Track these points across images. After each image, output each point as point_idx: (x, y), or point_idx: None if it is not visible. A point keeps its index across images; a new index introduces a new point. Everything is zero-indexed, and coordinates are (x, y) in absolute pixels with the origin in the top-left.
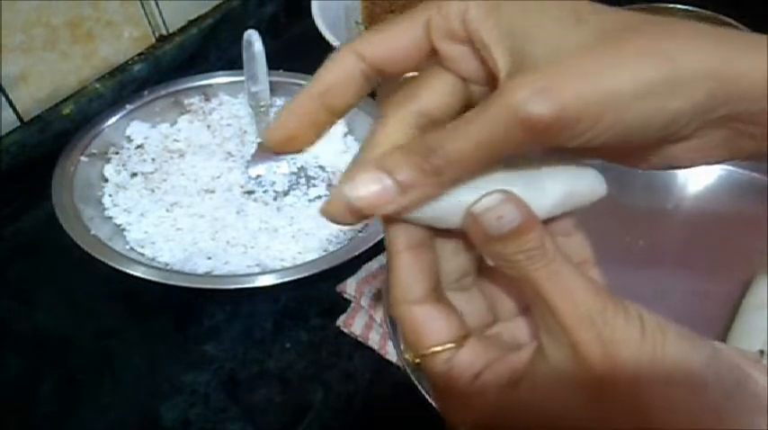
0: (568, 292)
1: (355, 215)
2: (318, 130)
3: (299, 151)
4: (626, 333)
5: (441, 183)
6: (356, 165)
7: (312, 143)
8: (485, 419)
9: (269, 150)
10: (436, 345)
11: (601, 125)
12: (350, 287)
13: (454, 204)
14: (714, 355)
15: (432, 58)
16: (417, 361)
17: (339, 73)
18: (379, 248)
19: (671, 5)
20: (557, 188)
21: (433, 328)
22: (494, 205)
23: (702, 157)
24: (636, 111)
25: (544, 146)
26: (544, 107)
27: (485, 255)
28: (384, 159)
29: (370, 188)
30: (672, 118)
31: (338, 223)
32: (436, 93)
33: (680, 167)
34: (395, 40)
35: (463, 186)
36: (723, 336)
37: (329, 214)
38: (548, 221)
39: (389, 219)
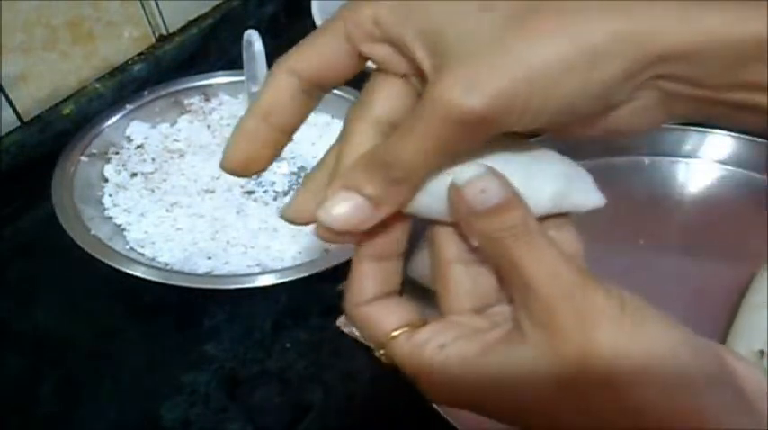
0: (548, 267)
1: (334, 236)
2: (272, 151)
3: (257, 173)
4: (605, 308)
5: (410, 187)
6: (314, 185)
7: (269, 163)
8: (455, 391)
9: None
10: (390, 332)
11: (532, 107)
12: None
13: (441, 196)
14: (695, 340)
15: (362, 63)
16: (382, 352)
17: (277, 93)
18: None
19: None
20: (550, 188)
21: (384, 318)
22: (477, 177)
23: (643, 122)
24: (562, 88)
25: (488, 136)
26: (474, 101)
27: (468, 232)
28: (348, 177)
29: (342, 208)
30: (599, 88)
31: (297, 224)
32: (387, 97)
33: (624, 134)
34: (323, 52)
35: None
36: (723, 336)
37: (290, 219)
38: (539, 219)
39: (362, 235)
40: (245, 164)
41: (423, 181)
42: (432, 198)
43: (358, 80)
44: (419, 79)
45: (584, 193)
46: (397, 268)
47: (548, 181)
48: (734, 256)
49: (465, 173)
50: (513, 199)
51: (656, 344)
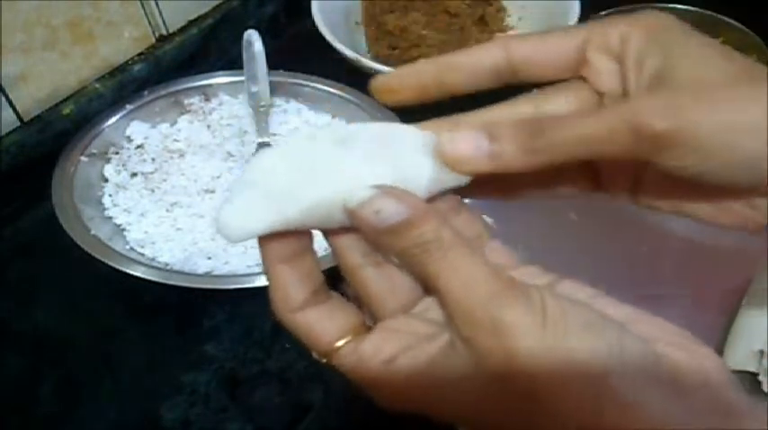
0: (465, 284)
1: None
2: (419, 95)
3: (393, 102)
4: (524, 323)
5: (528, 163)
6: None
7: (406, 100)
8: (402, 401)
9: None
10: (334, 341)
11: (711, 156)
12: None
13: (327, 206)
14: (620, 342)
15: (566, 68)
16: (324, 360)
17: (476, 56)
18: None
19: (671, 5)
20: (423, 170)
21: (322, 329)
22: (368, 198)
23: None
24: (750, 150)
25: (634, 158)
26: (662, 120)
27: (381, 251)
28: (492, 125)
29: (464, 144)
30: None
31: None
32: (564, 101)
33: (738, 229)
34: (545, 45)
35: (330, 187)
36: (723, 336)
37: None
38: (429, 200)
39: (262, 238)
40: (390, 90)
41: (541, 164)
42: (326, 211)
43: (358, 80)
44: (602, 97)
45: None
46: (314, 262)
47: (420, 168)
48: (734, 256)
49: (355, 194)
50: (419, 213)
51: (576, 360)
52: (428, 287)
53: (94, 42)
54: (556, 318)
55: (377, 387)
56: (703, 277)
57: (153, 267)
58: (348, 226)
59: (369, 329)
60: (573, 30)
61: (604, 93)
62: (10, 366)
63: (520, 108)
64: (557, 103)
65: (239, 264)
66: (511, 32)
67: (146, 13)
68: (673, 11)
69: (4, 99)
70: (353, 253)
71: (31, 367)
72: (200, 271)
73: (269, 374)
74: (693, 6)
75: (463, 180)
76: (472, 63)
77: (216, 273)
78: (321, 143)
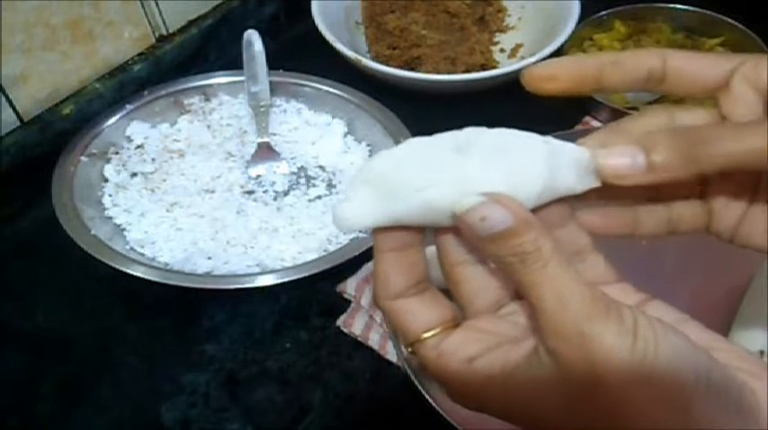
0: (559, 298)
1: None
2: (575, 87)
3: (545, 91)
4: (615, 342)
5: (687, 170)
6: (613, 133)
7: (560, 91)
8: (477, 402)
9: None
10: (422, 332)
11: None
12: (350, 287)
13: (438, 208)
14: (708, 368)
15: (709, 92)
16: (410, 350)
17: (638, 58)
18: None
19: (671, 5)
20: (535, 178)
21: (414, 318)
22: (474, 206)
23: None
24: None
25: None
26: None
27: (482, 254)
28: (647, 137)
29: (621, 160)
30: None
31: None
32: (701, 111)
33: None
34: (700, 61)
35: (440, 189)
36: (723, 337)
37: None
38: (538, 210)
39: (378, 229)
40: (547, 77)
41: (696, 172)
42: (436, 213)
43: (357, 81)
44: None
45: (576, 175)
46: (420, 256)
47: (532, 176)
48: (734, 256)
49: (463, 201)
50: (521, 224)
51: (665, 382)
52: (521, 293)
53: (94, 42)
54: (647, 340)
55: (452, 383)
56: (703, 276)
57: (153, 267)
58: (455, 226)
59: (458, 327)
60: (730, 55)
61: (729, 119)
62: (10, 366)
63: (655, 119)
64: (696, 115)
65: (239, 264)
66: (511, 32)
67: (146, 13)
68: (673, 11)
69: (4, 99)
70: (456, 250)
71: (31, 367)
72: (200, 271)
73: (269, 374)
74: (693, 6)
75: (574, 190)
76: (634, 63)
77: (216, 273)
78: (438, 147)
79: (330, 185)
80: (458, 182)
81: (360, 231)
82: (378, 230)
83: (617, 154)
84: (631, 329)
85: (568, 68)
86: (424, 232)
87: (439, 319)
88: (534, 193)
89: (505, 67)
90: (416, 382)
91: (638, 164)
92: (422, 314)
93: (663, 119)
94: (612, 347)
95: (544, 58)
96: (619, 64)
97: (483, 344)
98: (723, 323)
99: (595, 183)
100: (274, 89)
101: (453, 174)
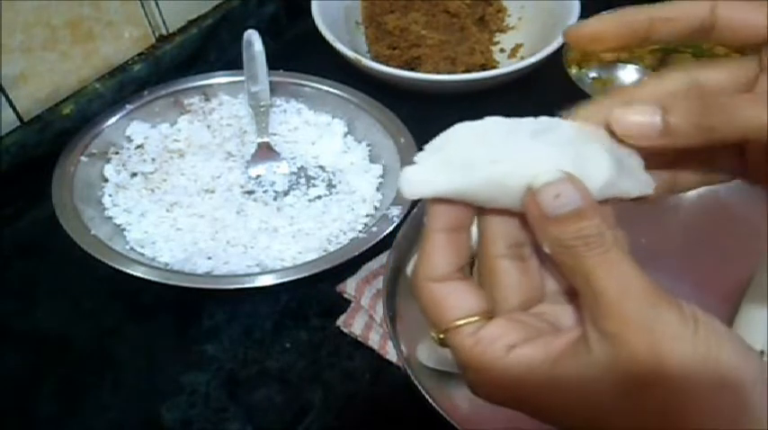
0: (622, 283)
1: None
2: (624, 43)
3: (591, 50)
4: (678, 331)
5: (701, 138)
6: (630, 92)
7: (608, 49)
8: (508, 392)
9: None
10: (460, 319)
11: None
12: (350, 287)
13: (506, 183)
14: (762, 370)
15: (754, 43)
16: (441, 336)
17: (689, 10)
18: (379, 248)
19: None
20: (601, 176)
21: (455, 302)
22: (553, 181)
23: None
24: None
25: None
26: None
27: (540, 239)
28: (666, 98)
29: (638, 118)
30: None
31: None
32: (724, 70)
33: None
34: (751, 11)
35: (514, 165)
36: None
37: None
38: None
39: (433, 201)
40: (593, 37)
41: (709, 141)
42: (500, 189)
43: (357, 81)
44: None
45: (634, 180)
46: (468, 243)
47: (599, 168)
48: (734, 256)
49: (542, 174)
50: (589, 207)
51: (729, 377)
52: (576, 284)
53: (94, 42)
54: (708, 331)
55: (487, 374)
56: (703, 275)
57: (153, 267)
58: (511, 209)
59: (491, 316)
60: None
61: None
62: (10, 366)
63: (675, 81)
64: (713, 75)
65: (239, 264)
66: (511, 32)
67: (146, 13)
68: None
69: (4, 99)
70: (499, 242)
71: (31, 367)
72: (200, 271)
73: (269, 374)
74: None
75: (629, 194)
76: (686, 16)
77: (216, 273)
78: (516, 128)
79: (330, 185)
80: (532, 162)
81: (359, 230)
82: (434, 203)
83: (635, 112)
84: (692, 319)
85: (616, 27)
86: (474, 217)
87: (477, 309)
88: (596, 188)
89: (505, 67)
90: (416, 382)
91: (653, 124)
92: (463, 300)
93: (684, 78)
94: (676, 335)
95: (544, 58)
96: (670, 17)
97: (524, 332)
98: (723, 323)
99: (648, 191)
100: (274, 89)
101: (528, 154)
